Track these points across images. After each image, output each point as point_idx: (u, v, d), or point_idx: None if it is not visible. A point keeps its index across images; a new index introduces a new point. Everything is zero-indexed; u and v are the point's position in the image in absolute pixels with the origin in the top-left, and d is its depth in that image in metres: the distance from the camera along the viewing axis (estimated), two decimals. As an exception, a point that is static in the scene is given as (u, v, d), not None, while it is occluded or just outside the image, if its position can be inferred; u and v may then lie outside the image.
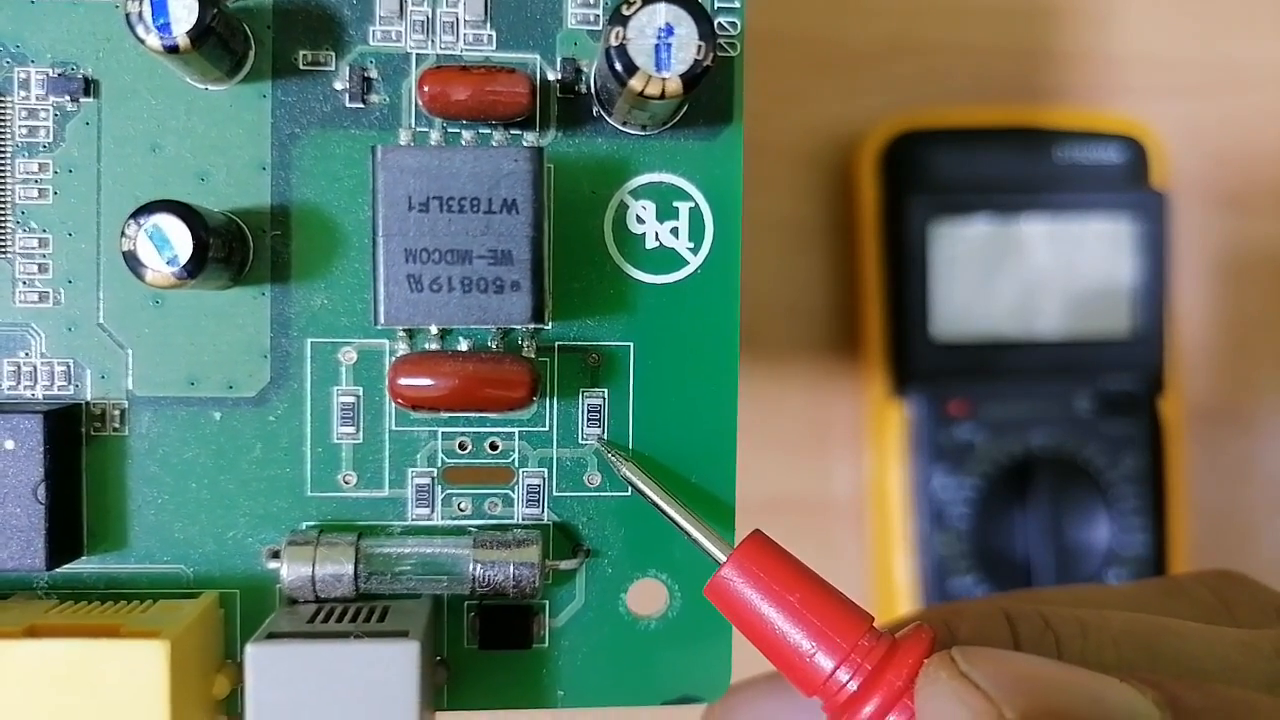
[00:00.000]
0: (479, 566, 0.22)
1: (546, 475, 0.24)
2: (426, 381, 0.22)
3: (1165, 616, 0.21)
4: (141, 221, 0.20)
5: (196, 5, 0.20)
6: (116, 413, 0.23)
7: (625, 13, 0.20)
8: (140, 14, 0.20)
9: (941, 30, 0.44)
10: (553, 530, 0.24)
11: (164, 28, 0.20)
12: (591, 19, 0.23)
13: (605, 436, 0.24)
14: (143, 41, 0.20)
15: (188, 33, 0.20)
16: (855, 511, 0.44)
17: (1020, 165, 0.42)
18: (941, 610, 0.22)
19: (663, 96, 0.20)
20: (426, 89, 0.22)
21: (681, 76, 0.20)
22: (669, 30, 0.20)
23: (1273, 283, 0.45)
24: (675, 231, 0.24)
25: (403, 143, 0.22)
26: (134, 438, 0.23)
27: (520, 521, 0.24)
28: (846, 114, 0.44)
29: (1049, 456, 0.41)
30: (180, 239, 0.20)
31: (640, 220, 0.23)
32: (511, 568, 0.23)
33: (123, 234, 0.20)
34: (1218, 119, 0.45)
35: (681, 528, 0.22)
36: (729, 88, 0.23)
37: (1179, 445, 0.42)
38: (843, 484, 0.44)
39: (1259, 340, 0.45)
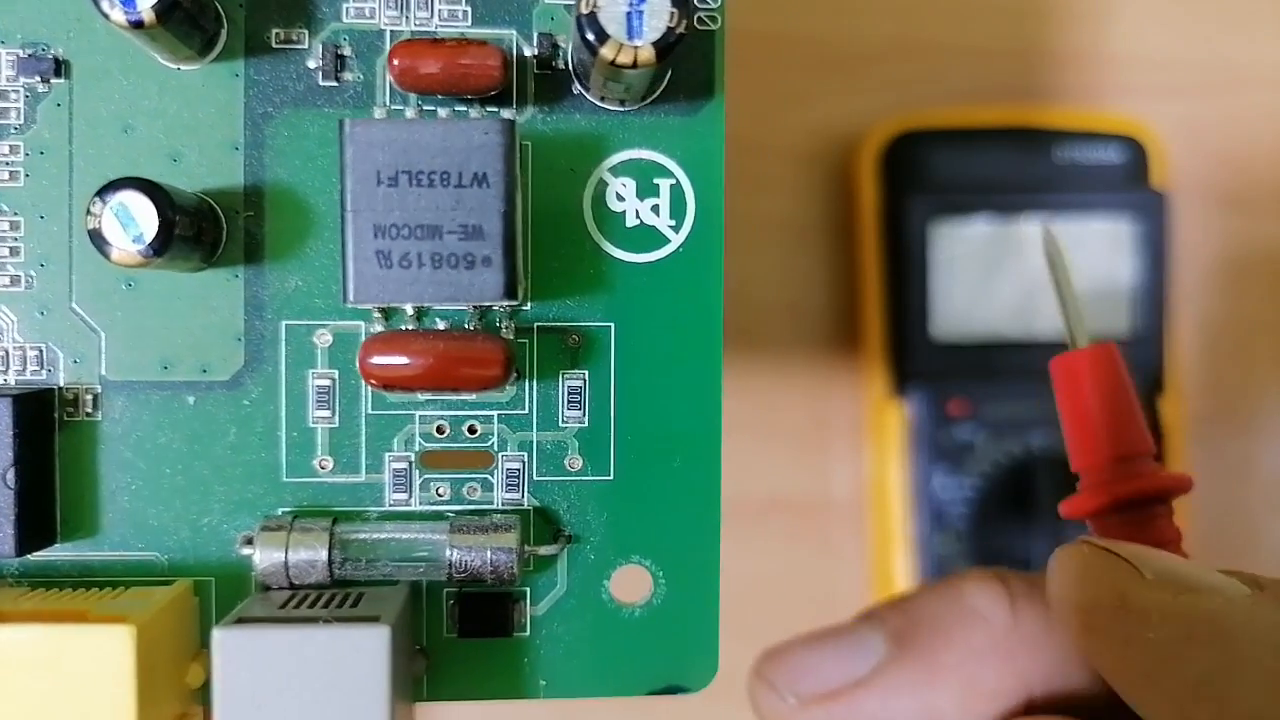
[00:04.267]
0: (456, 552, 0.22)
1: (526, 459, 0.23)
2: (398, 360, 0.21)
3: None
4: (107, 199, 0.20)
5: (162, -21, 0.20)
6: (89, 397, 0.23)
7: None
8: (106, -9, 0.20)
9: (941, 30, 0.44)
10: (533, 515, 0.23)
11: (129, 2, 0.20)
12: (568, -7, 0.23)
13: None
14: (107, 17, 0.20)
15: (153, 7, 0.20)
16: (855, 511, 0.43)
17: (1020, 165, 0.42)
18: None
19: (635, 65, 0.20)
20: (397, 63, 0.21)
21: (654, 45, 0.20)
22: None
23: (1273, 283, 0.45)
24: (656, 209, 0.23)
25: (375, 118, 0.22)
26: (107, 423, 0.23)
27: (500, 506, 0.23)
28: (846, 114, 0.44)
29: (1049, 456, 0.41)
30: (146, 217, 0.20)
31: (620, 198, 0.23)
32: (489, 553, 0.22)
33: (88, 212, 0.20)
34: (1218, 119, 0.45)
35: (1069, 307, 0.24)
36: (710, 62, 0.23)
37: (1179, 446, 0.42)
38: (842, 484, 0.43)
39: (1259, 341, 0.45)
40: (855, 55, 0.44)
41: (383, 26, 0.23)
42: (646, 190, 0.23)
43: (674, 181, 0.23)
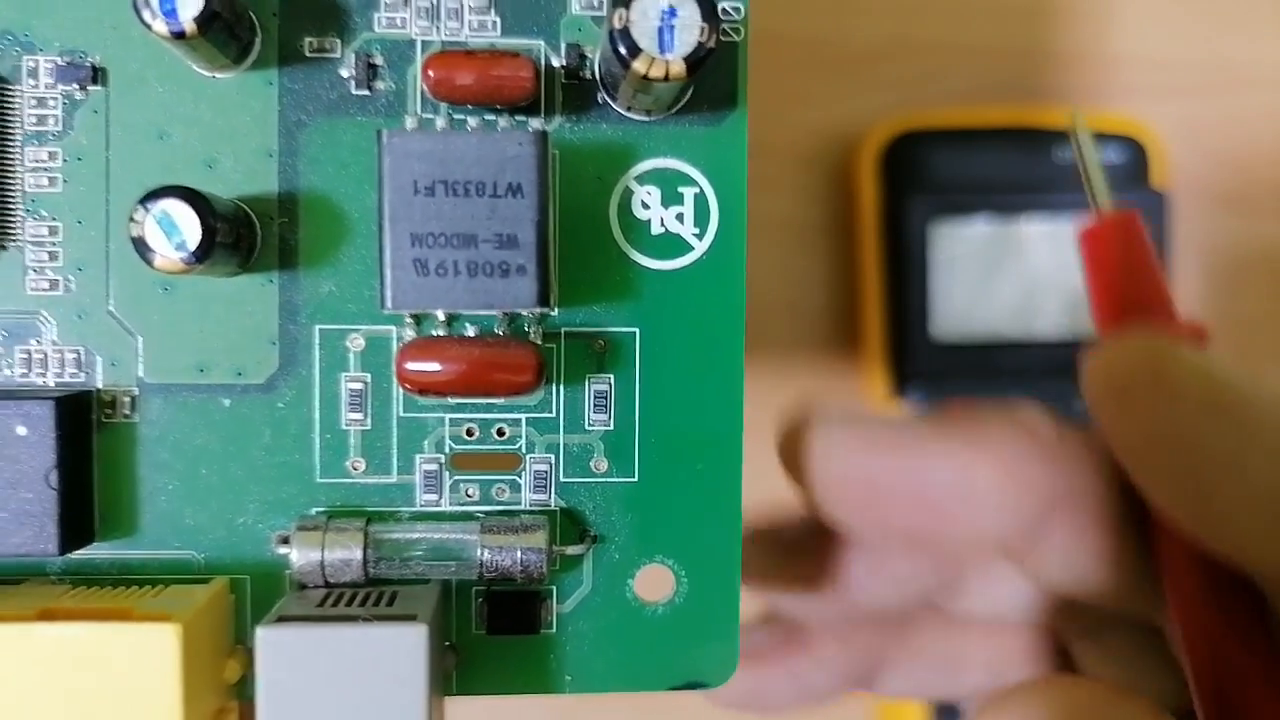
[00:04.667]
0: (486, 551, 0.23)
1: (553, 461, 0.24)
2: (433, 366, 0.22)
3: None
4: (149, 207, 0.20)
5: (202, -11, 0.20)
6: (127, 399, 0.23)
7: None
8: (147, 0, 0.20)
9: (941, 30, 0.45)
10: (560, 516, 0.24)
11: (170, 13, 0.20)
12: (595, 4, 0.23)
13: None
14: (149, 27, 0.20)
15: (194, 18, 0.20)
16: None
17: (1020, 165, 0.42)
18: None
19: (666, 79, 0.20)
20: (431, 74, 0.22)
21: (684, 59, 0.20)
22: (671, 12, 0.20)
23: (1273, 282, 0.46)
24: (680, 217, 0.24)
25: (409, 128, 0.22)
26: (144, 424, 0.23)
27: (527, 507, 0.24)
28: (846, 114, 0.44)
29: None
30: (189, 224, 0.20)
31: (645, 206, 0.24)
32: (519, 553, 0.23)
33: (131, 219, 0.20)
34: (1218, 119, 0.45)
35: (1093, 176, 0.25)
36: (733, 73, 0.24)
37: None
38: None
39: (1259, 340, 0.45)
40: (855, 55, 0.44)
41: (414, 36, 0.23)
42: (671, 198, 0.24)
43: (698, 190, 0.24)
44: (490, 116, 0.23)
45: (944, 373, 0.41)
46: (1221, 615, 0.21)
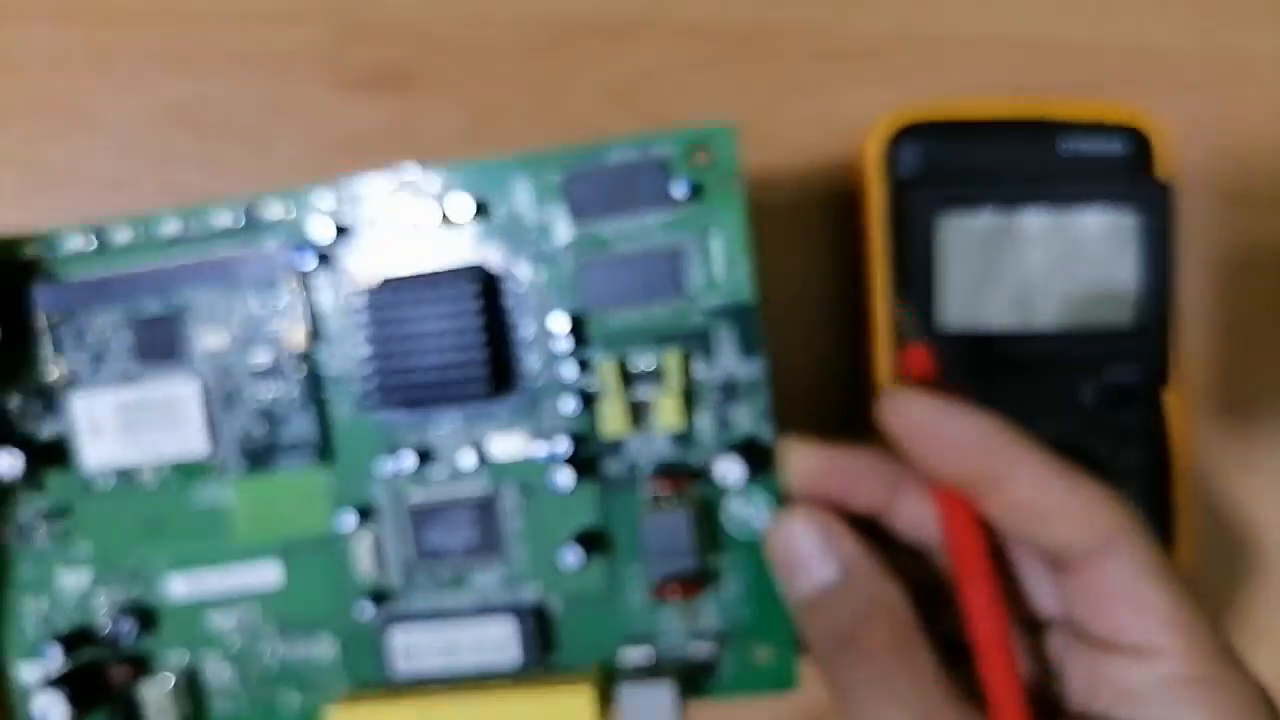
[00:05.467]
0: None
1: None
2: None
3: None
4: None
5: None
6: None
7: None
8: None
9: (945, 23, 0.45)
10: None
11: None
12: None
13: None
14: None
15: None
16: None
17: (1025, 157, 0.42)
18: None
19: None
20: None
21: None
22: None
23: (1276, 275, 0.45)
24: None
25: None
26: None
27: None
28: (851, 106, 0.44)
29: (1054, 447, 0.41)
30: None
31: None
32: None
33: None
34: (1222, 112, 0.45)
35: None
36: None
37: (1183, 438, 0.42)
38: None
39: (1264, 333, 0.45)
40: (860, 48, 0.44)
41: None
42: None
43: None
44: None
45: (949, 363, 0.41)
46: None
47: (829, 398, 0.44)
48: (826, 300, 0.44)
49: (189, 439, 0.33)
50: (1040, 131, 0.43)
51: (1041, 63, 0.45)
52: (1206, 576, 0.43)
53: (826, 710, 0.43)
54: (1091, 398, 0.41)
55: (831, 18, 0.44)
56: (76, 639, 0.34)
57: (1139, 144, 0.43)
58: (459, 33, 0.43)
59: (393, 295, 0.31)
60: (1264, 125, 0.45)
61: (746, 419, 0.32)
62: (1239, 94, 0.45)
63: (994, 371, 0.41)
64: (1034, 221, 0.41)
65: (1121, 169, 0.43)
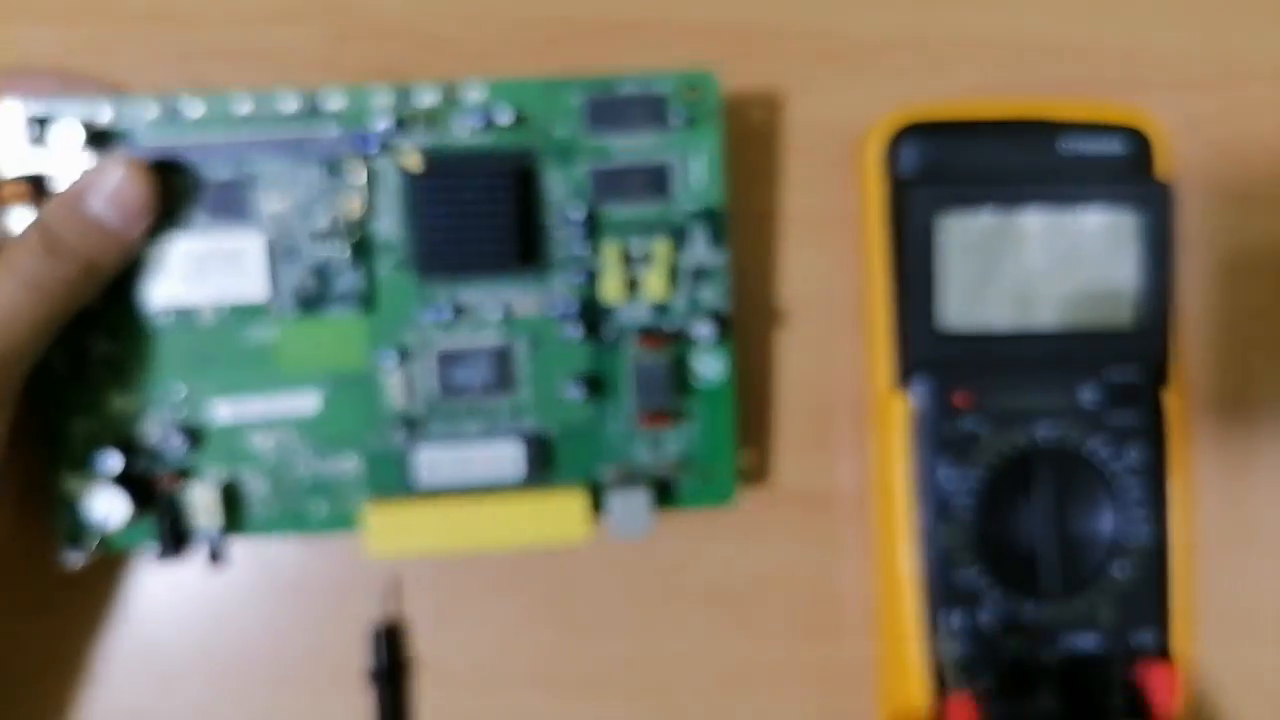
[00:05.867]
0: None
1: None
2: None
3: None
4: None
5: None
6: None
7: None
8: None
9: (945, 23, 0.45)
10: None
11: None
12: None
13: None
14: None
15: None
16: (859, 503, 0.44)
17: (1024, 157, 0.42)
18: None
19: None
20: None
21: None
22: None
23: (1275, 276, 0.45)
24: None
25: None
26: None
27: None
28: (852, 105, 0.44)
29: (1053, 448, 0.41)
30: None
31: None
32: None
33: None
34: (1221, 112, 0.45)
35: None
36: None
37: (1183, 437, 0.42)
38: (847, 476, 0.44)
39: (1263, 333, 0.45)
40: (859, 47, 0.44)
41: None
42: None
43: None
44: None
45: (948, 364, 0.41)
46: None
47: (830, 398, 0.44)
48: (827, 298, 0.44)
49: (250, 285, 0.38)
50: (1040, 131, 0.43)
51: (1041, 63, 0.45)
52: (1206, 577, 0.43)
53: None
54: (1091, 398, 0.41)
55: (831, 18, 0.44)
56: (128, 451, 0.38)
57: (1139, 144, 0.43)
58: (459, 33, 0.43)
59: (440, 179, 0.38)
60: (1264, 125, 0.45)
61: (712, 296, 0.40)
62: (1239, 94, 0.45)
63: (994, 371, 0.41)
64: (1034, 221, 0.41)
65: (1121, 169, 0.43)
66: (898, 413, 0.42)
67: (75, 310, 0.36)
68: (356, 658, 0.42)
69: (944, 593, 0.41)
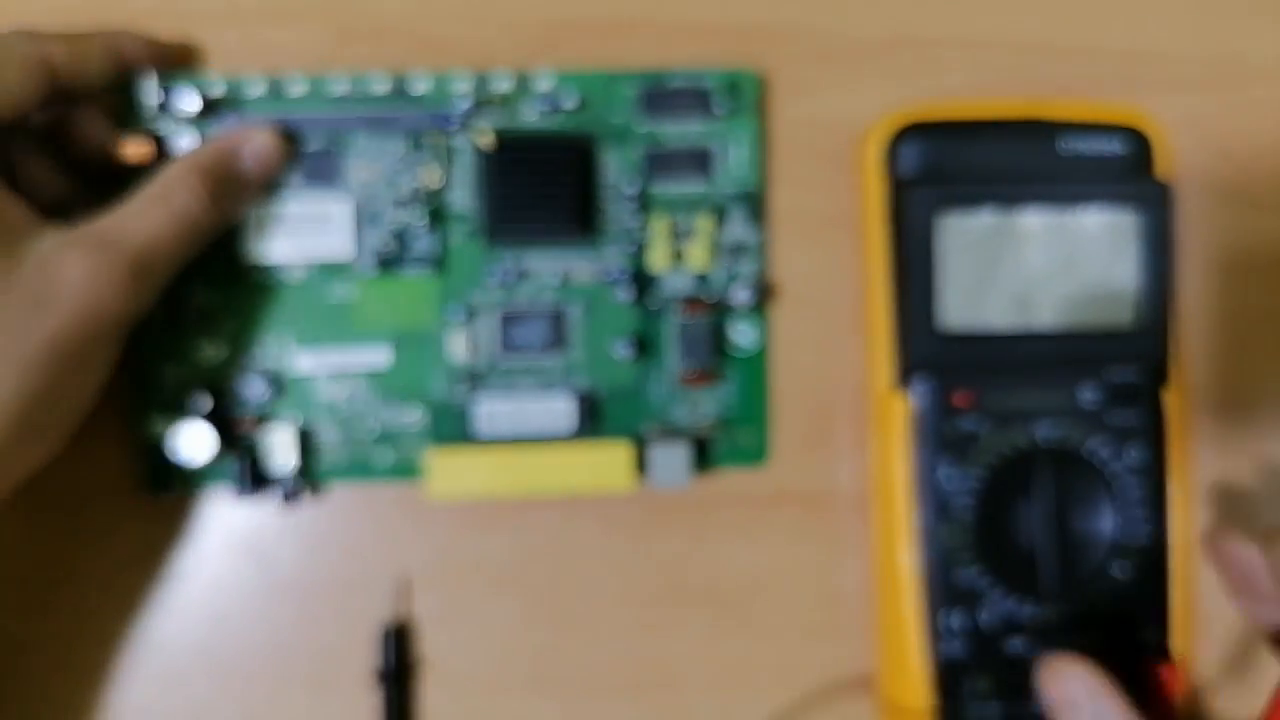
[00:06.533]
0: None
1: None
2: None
3: None
4: None
5: None
6: None
7: None
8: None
9: (945, 23, 0.45)
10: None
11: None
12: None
13: None
14: None
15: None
16: (859, 502, 0.44)
17: (1024, 157, 0.42)
18: None
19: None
20: None
21: None
22: None
23: (1275, 276, 0.45)
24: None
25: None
26: None
27: None
28: (852, 106, 0.44)
29: (1053, 448, 0.41)
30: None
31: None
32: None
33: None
34: (1221, 112, 0.45)
35: None
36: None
37: (1183, 437, 0.42)
38: (847, 475, 0.44)
39: (1263, 333, 0.45)
40: (859, 47, 0.44)
41: None
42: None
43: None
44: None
45: (948, 364, 0.41)
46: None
47: (830, 398, 0.44)
48: (827, 298, 0.44)
49: (337, 245, 0.42)
50: (1040, 131, 0.43)
51: (1041, 63, 0.45)
52: (1206, 577, 0.43)
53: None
54: (1091, 398, 0.41)
55: (831, 18, 0.44)
56: (214, 395, 0.41)
57: (1139, 144, 0.43)
58: (458, 33, 0.43)
59: (510, 156, 0.42)
60: (1264, 125, 0.45)
61: (747, 269, 0.43)
62: (1239, 94, 0.45)
63: (994, 371, 0.41)
64: (1034, 221, 0.41)
65: (1121, 169, 0.43)
66: (898, 412, 0.42)
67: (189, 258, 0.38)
68: (359, 658, 0.42)
69: (944, 592, 0.41)
